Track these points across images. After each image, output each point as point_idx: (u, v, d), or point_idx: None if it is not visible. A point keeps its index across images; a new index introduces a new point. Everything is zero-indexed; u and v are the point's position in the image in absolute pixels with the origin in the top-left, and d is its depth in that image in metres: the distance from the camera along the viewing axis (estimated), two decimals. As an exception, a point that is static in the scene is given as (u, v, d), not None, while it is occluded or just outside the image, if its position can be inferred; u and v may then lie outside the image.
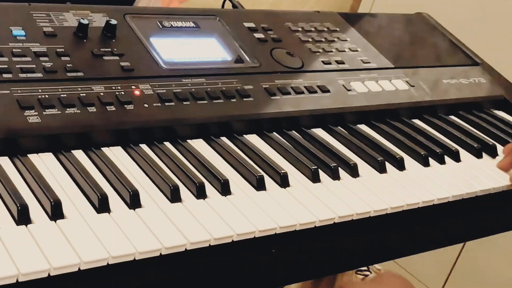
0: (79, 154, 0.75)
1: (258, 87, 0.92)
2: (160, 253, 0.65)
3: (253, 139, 0.88)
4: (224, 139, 0.86)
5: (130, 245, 0.63)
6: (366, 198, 0.80)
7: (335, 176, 0.84)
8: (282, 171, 0.80)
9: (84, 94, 0.79)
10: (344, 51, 1.08)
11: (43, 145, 0.74)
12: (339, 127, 0.96)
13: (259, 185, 0.78)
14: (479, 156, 0.98)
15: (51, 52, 0.83)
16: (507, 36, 1.79)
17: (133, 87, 0.83)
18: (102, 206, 0.67)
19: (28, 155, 0.73)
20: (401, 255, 0.96)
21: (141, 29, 0.93)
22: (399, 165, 0.90)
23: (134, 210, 0.69)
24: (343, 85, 1.00)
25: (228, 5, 1.24)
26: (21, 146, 0.73)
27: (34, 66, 0.80)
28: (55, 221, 0.64)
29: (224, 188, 0.75)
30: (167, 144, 0.82)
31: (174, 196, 0.72)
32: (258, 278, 0.74)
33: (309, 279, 1.42)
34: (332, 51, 1.06)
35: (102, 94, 0.80)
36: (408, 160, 0.92)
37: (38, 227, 0.63)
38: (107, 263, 0.62)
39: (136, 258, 0.63)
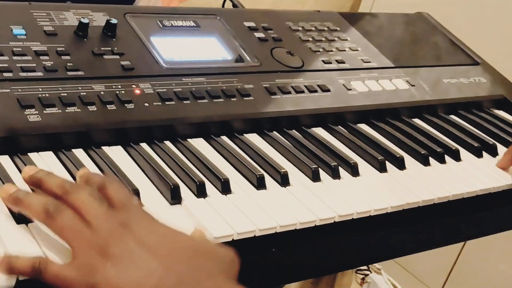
0: (79, 153, 0.76)
1: (258, 86, 0.92)
2: (161, 252, 0.65)
3: (254, 138, 0.88)
4: (224, 138, 0.86)
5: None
6: (367, 197, 0.80)
7: (335, 175, 0.84)
8: (283, 170, 0.80)
9: (84, 93, 0.79)
10: (345, 50, 1.08)
11: (43, 144, 0.74)
12: (339, 126, 0.96)
13: (260, 184, 0.78)
14: (479, 155, 0.98)
15: (51, 51, 0.83)
16: (507, 36, 1.79)
17: (133, 86, 0.83)
18: (102, 205, 0.67)
19: (29, 153, 0.73)
20: (401, 254, 0.97)
21: (142, 28, 0.93)
22: (400, 164, 0.90)
23: (135, 209, 0.69)
24: (343, 84, 1.00)
25: (229, 5, 1.24)
26: (22, 145, 0.73)
27: (34, 65, 0.80)
28: (56, 220, 0.64)
29: (225, 187, 0.75)
30: (168, 143, 0.82)
31: (174, 195, 0.72)
32: (258, 277, 0.74)
33: (309, 278, 1.42)
34: (332, 51, 1.06)
35: (102, 93, 0.80)
36: (409, 160, 0.92)
37: (38, 226, 0.63)
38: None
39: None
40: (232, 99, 0.88)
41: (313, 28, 1.10)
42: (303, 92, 0.95)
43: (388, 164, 0.89)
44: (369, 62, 1.08)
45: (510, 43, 1.79)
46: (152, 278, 0.56)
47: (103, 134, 0.78)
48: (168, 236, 0.61)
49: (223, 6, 1.25)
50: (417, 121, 1.04)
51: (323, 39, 1.08)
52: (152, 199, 0.71)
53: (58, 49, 0.84)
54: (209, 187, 0.75)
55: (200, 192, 0.73)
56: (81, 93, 0.79)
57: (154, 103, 0.82)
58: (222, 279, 0.59)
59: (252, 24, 1.04)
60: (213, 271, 0.59)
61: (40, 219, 0.60)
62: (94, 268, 0.56)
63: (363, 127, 0.98)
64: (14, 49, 0.81)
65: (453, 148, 0.97)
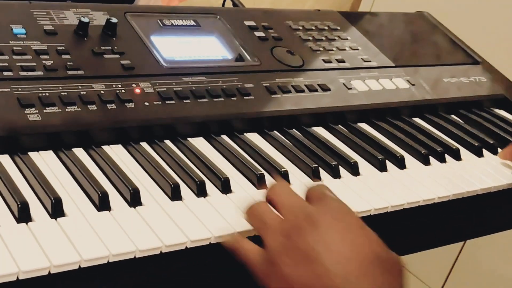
0: (79, 152, 0.75)
1: (258, 86, 0.92)
2: (161, 251, 0.65)
3: (254, 138, 0.88)
4: (224, 137, 0.86)
5: (131, 243, 0.63)
6: (367, 196, 0.80)
7: (335, 175, 0.83)
8: (283, 170, 0.80)
9: (84, 92, 0.79)
10: (345, 49, 1.08)
11: (43, 143, 0.74)
12: (339, 125, 0.96)
13: (260, 183, 0.78)
14: (479, 154, 0.98)
15: (51, 50, 0.83)
16: (508, 35, 1.79)
17: (133, 85, 0.83)
18: (102, 204, 0.67)
19: (29, 153, 0.73)
20: (401, 254, 0.96)
21: (142, 28, 0.93)
22: (400, 163, 0.90)
23: (135, 208, 0.69)
24: (343, 83, 1.00)
25: (229, 4, 1.24)
26: (22, 144, 0.73)
27: (34, 64, 0.80)
28: (56, 219, 0.64)
29: (225, 186, 0.75)
30: (168, 142, 0.82)
31: (174, 194, 0.72)
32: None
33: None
34: (332, 50, 1.06)
35: (102, 92, 0.80)
36: (409, 159, 0.92)
37: (38, 225, 0.63)
38: (108, 261, 0.62)
39: (137, 256, 0.63)
40: (232, 98, 0.88)
41: (313, 27, 1.10)
42: (303, 91, 0.95)
43: (388, 163, 0.89)
44: (370, 61, 1.08)
45: (510, 42, 1.78)
46: (324, 282, 0.58)
47: (103, 133, 0.78)
48: (354, 241, 0.61)
49: (223, 5, 1.25)
50: (418, 120, 1.04)
51: (323, 38, 1.08)
52: (152, 198, 0.71)
53: (58, 48, 0.84)
54: (209, 187, 0.75)
55: (200, 191, 0.73)
56: (81, 92, 0.79)
57: (154, 102, 0.82)
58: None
59: (252, 23, 1.04)
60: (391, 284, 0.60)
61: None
62: (272, 260, 0.61)
63: (364, 126, 0.98)
64: (14, 48, 0.81)
65: (454, 148, 0.97)
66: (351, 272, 0.58)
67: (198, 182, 0.74)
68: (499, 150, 1.00)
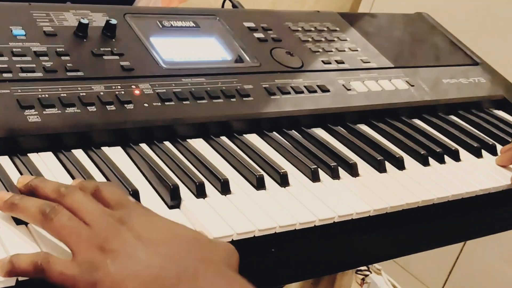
0: (79, 154, 0.76)
1: (258, 87, 0.92)
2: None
3: (253, 139, 0.88)
4: (224, 138, 0.86)
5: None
6: (366, 197, 0.80)
7: (335, 176, 0.84)
8: (282, 171, 0.80)
9: (84, 94, 0.79)
10: (344, 50, 1.08)
11: (43, 145, 0.74)
12: (339, 126, 0.96)
13: (259, 185, 0.78)
14: (478, 155, 0.98)
15: (51, 51, 0.83)
16: (507, 36, 1.79)
17: (133, 86, 0.83)
18: (102, 205, 0.67)
19: (28, 154, 0.73)
20: (401, 254, 0.97)
21: (141, 29, 0.93)
22: (399, 164, 0.90)
23: (134, 209, 0.69)
24: (343, 84, 1.00)
25: (228, 5, 1.24)
26: (21, 145, 0.73)
27: (34, 65, 0.80)
28: (55, 220, 0.64)
29: (224, 188, 0.75)
30: (167, 143, 0.82)
31: (173, 195, 0.72)
32: (258, 278, 0.74)
33: (309, 278, 1.42)
34: (332, 51, 1.06)
35: (102, 93, 0.80)
36: (408, 160, 0.92)
37: (38, 227, 0.63)
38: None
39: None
40: (231, 99, 0.88)
41: (313, 29, 1.10)
42: (302, 92, 0.95)
43: (387, 164, 0.89)
44: (369, 62, 1.08)
45: (510, 43, 1.79)
46: (153, 270, 0.56)
47: (103, 135, 0.78)
48: (167, 228, 0.61)
49: (222, 6, 1.25)
50: (417, 121, 1.04)
51: (323, 39, 1.08)
52: (151, 199, 0.71)
53: (58, 49, 0.84)
54: (209, 188, 0.75)
55: (200, 192, 0.74)
56: (81, 94, 0.79)
57: (154, 104, 0.82)
58: (224, 269, 0.59)
59: (251, 24, 1.04)
60: (213, 261, 0.59)
61: (36, 222, 0.60)
62: (95, 265, 0.56)
63: (363, 127, 0.98)
64: (14, 49, 0.81)
65: (453, 148, 0.97)
66: (175, 252, 0.58)
67: (197, 184, 0.74)
68: (499, 151, 1.00)
